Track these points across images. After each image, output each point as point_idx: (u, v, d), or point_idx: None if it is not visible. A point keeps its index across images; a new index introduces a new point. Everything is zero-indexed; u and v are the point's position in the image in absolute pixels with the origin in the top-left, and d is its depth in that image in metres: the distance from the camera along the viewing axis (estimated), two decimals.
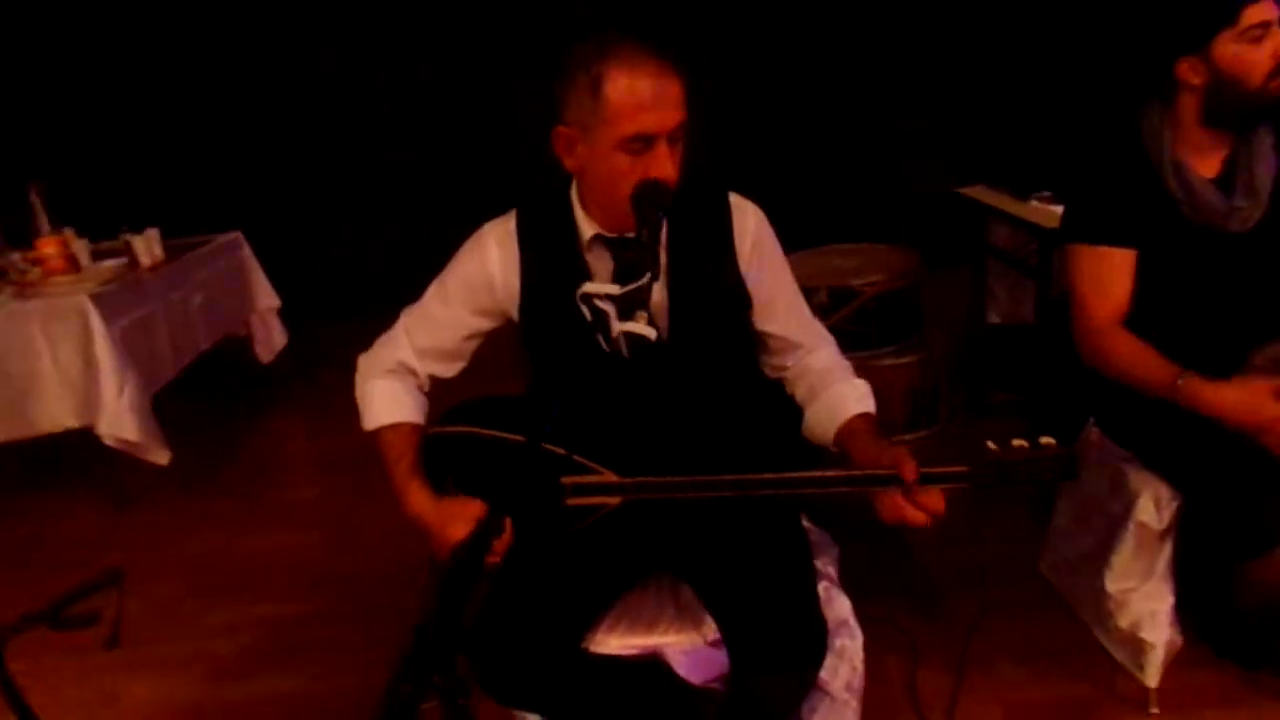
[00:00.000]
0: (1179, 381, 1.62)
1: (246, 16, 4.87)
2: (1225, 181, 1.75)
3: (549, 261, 1.49)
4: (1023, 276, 3.05)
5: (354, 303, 5.09)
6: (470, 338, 1.57)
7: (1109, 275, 1.77)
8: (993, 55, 4.00)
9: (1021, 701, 1.91)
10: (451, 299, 1.54)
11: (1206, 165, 1.77)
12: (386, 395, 1.54)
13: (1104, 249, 1.78)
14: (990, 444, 1.30)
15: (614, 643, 1.50)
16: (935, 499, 1.29)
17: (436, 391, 1.62)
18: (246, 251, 4.32)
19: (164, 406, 3.33)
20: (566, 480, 1.45)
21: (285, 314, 4.42)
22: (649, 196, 1.28)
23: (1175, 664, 1.87)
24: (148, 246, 3.61)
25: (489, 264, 1.51)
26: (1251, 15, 1.62)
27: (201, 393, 4.12)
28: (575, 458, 1.45)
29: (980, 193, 3.04)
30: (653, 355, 1.39)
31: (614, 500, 1.45)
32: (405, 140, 5.05)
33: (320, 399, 4.16)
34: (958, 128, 3.97)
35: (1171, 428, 1.71)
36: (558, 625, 1.45)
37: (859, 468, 1.38)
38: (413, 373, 1.57)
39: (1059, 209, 2.67)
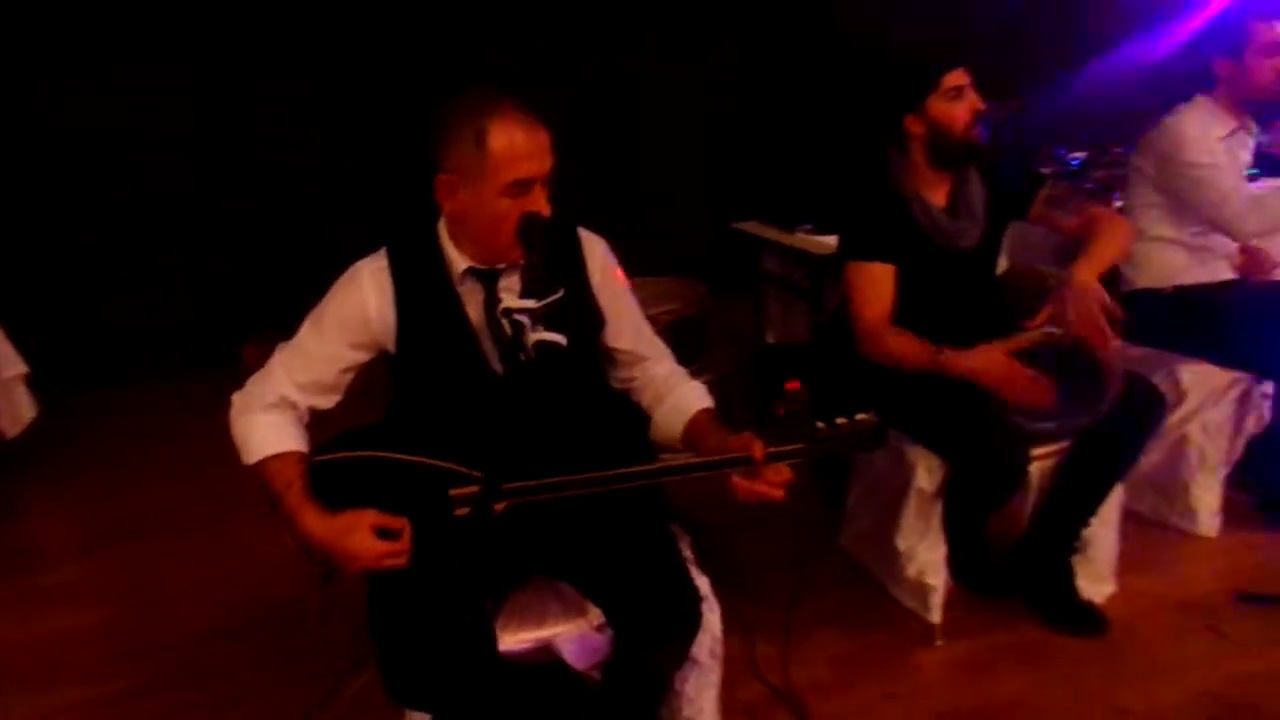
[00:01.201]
0: (940, 356, 2.01)
1: None
2: (952, 208, 2.21)
3: (423, 293, 1.61)
4: (793, 300, 3.49)
5: (110, 368, 4.67)
6: (347, 370, 1.64)
7: (877, 286, 2.16)
8: (759, 108, 4.54)
9: (840, 655, 2.23)
10: (328, 334, 1.61)
11: (937, 196, 2.22)
12: (270, 427, 1.57)
13: (871, 265, 2.17)
14: (819, 423, 1.58)
15: (508, 639, 1.63)
16: (784, 471, 1.54)
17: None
18: None
19: None
20: (454, 492, 1.57)
21: (34, 382, 4.00)
22: (533, 226, 1.46)
23: (951, 603, 2.27)
24: None
25: (365, 299, 1.60)
26: (949, 80, 2.11)
27: None
28: (458, 469, 1.56)
29: (754, 227, 3.46)
30: (525, 370, 1.56)
31: (500, 506, 1.58)
32: (163, 199, 4.70)
33: (81, 471, 3.81)
34: (732, 171, 4.46)
35: (932, 408, 2.11)
36: (466, 629, 1.55)
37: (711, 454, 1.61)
38: (293, 406, 1.61)
39: (821, 239, 3.14)
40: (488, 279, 1.62)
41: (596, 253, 1.74)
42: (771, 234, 3.34)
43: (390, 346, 1.63)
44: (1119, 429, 2.06)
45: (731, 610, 2.33)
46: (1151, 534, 2.58)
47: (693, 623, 1.61)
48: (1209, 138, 2.46)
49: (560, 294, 1.35)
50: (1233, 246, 2.59)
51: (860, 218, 2.24)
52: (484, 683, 1.57)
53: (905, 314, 2.17)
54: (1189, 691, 2.01)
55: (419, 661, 1.49)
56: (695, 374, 3.24)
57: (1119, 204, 2.99)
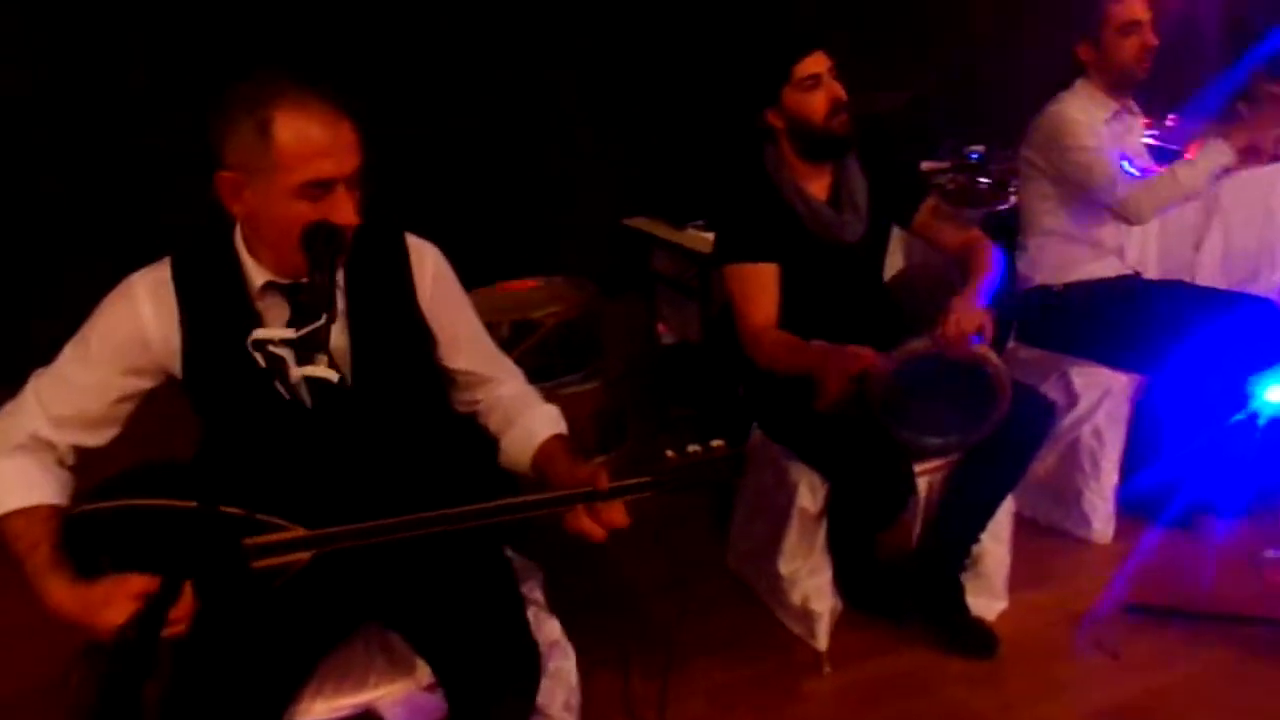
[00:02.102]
0: (807, 353, 1.86)
1: None
2: (834, 201, 2.07)
3: (215, 311, 1.38)
4: (686, 299, 3.33)
5: None
6: (122, 400, 1.40)
7: (759, 287, 2.00)
8: (645, 96, 4.29)
9: (719, 686, 2.07)
10: (95, 359, 1.37)
11: (816, 188, 2.08)
12: (15, 475, 1.32)
13: (751, 265, 2.01)
14: (669, 452, 1.41)
15: (320, 707, 1.42)
16: (618, 513, 1.37)
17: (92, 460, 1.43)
18: None
19: None
20: (249, 541, 1.35)
21: None
22: (320, 237, 1.25)
23: (839, 626, 2.14)
24: None
25: (141, 318, 1.36)
26: (801, 70, 1.96)
27: None
28: (257, 516, 1.35)
29: (643, 223, 3.29)
30: (336, 400, 1.36)
31: (304, 556, 1.37)
32: None
33: None
34: (621, 163, 4.22)
35: (815, 424, 1.96)
36: (255, 699, 1.33)
37: (556, 488, 1.42)
38: (49, 446, 1.37)
39: (709, 236, 2.98)
40: (292, 294, 1.40)
41: (426, 263, 1.53)
42: (661, 231, 3.17)
43: (175, 370, 1.40)
44: (1007, 442, 1.94)
45: (607, 640, 2.18)
46: (1044, 542, 2.48)
47: (529, 682, 1.42)
48: (1093, 121, 2.37)
49: (321, 322, 1.14)
50: (1126, 237, 2.52)
51: (737, 216, 2.08)
52: None
53: (789, 316, 2.02)
54: (1080, 714, 1.91)
55: None
56: (586, 378, 3.13)
57: (1015, 198, 2.91)
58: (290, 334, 1.12)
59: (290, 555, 1.36)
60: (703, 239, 2.96)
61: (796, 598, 2.08)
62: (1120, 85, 2.42)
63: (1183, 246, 3.12)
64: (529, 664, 1.42)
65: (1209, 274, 3.15)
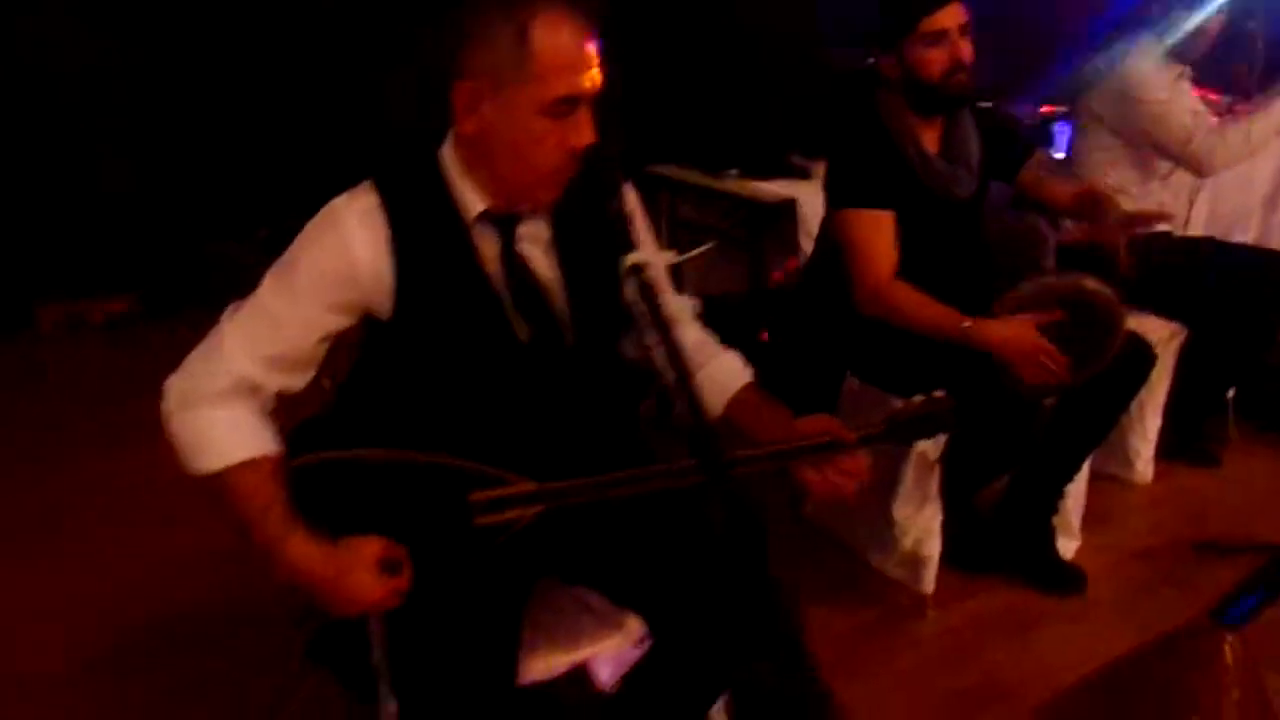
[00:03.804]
0: (965, 325, 1.86)
1: None
2: (945, 154, 2.06)
3: (430, 242, 1.25)
4: (708, 249, 3.27)
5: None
6: (324, 340, 1.27)
7: (879, 234, 1.98)
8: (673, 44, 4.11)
9: (829, 637, 2.06)
10: (303, 293, 1.22)
11: (929, 140, 2.06)
12: (232, 424, 1.18)
13: (871, 211, 1.98)
14: (898, 402, 1.39)
15: (540, 666, 1.34)
16: (863, 465, 1.34)
17: None
18: None
19: None
20: (475, 497, 1.25)
21: None
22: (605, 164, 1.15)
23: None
24: None
25: (351, 249, 1.22)
26: (928, 25, 1.92)
27: None
28: (484, 469, 1.25)
29: (671, 171, 3.18)
30: (554, 338, 1.27)
31: (531, 511, 1.28)
32: None
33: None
34: (640, 109, 4.04)
35: (938, 368, 1.96)
36: (486, 662, 1.24)
37: (762, 440, 1.37)
38: (256, 390, 1.22)
39: (756, 184, 2.93)
40: (504, 224, 1.28)
41: (628, 194, 1.43)
42: (695, 178, 3.08)
43: (383, 310, 1.26)
44: (1111, 382, 2.00)
45: None
46: (1091, 484, 2.60)
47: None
48: (1162, 74, 2.46)
49: (708, 246, 1.06)
50: (1163, 194, 2.64)
51: (851, 160, 2.05)
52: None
53: (900, 269, 2.01)
54: None
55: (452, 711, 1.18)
56: None
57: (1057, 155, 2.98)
58: (673, 256, 1.02)
59: (517, 510, 1.27)
60: (750, 188, 2.89)
61: (908, 543, 2.10)
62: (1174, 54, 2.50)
63: (1180, 203, 3.30)
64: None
65: (1197, 229, 3.35)
